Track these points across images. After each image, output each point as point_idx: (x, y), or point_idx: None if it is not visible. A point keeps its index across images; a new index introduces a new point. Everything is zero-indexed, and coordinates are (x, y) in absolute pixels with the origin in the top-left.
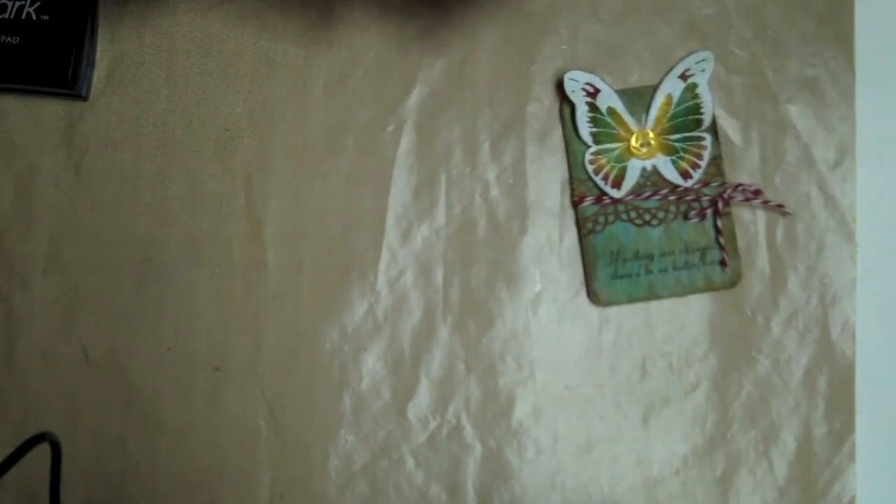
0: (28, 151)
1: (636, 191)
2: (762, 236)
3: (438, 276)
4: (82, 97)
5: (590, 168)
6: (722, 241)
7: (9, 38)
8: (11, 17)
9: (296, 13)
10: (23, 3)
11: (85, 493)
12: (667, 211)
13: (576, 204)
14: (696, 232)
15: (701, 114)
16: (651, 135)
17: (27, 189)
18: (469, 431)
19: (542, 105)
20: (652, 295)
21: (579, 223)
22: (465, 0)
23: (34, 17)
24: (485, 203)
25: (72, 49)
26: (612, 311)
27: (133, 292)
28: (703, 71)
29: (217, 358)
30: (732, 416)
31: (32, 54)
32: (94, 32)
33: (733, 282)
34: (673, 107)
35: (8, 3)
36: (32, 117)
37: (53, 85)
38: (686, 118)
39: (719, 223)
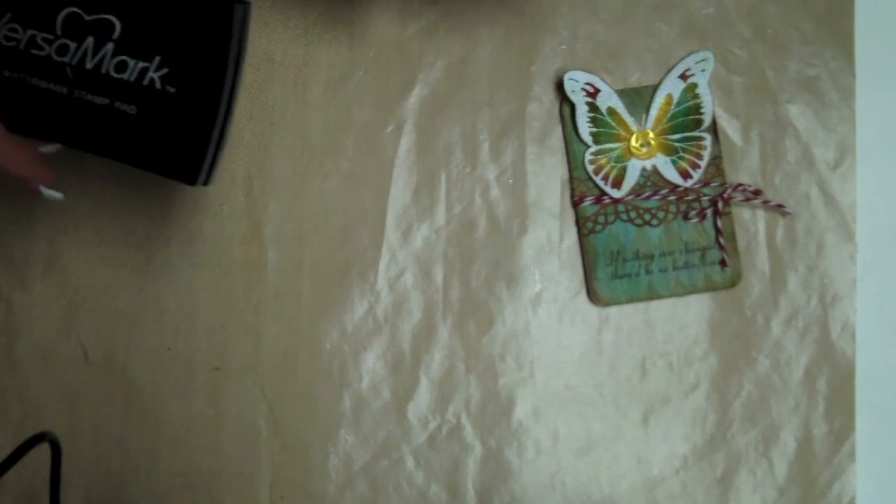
0: None
1: (636, 191)
2: (762, 236)
3: (438, 276)
4: (198, 185)
5: (590, 168)
6: (722, 241)
7: (124, 106)
8: (132, 80)
9: (296, 13)
10: (146, 65)
11: (85, 493)
12: (667, 211)
13: (576, 204)
14: (696, 232)
15: (701, 114)
16: (651, 135)
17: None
18: (469, 431)
19: (542, 105)
20: (652, 295)
21: (579, 223)
22: (465, 0)
23: (158, 86)
24: (485, 203)
25: (198, 133)
26: (612, 311)
27: (133, 292)
28: (703, 71)
29: (217, 358)
30: (732, 416)
31: (149, 131)
32: (228, 115)
33: (733, 282)
34: (673, 107)
35: (129, 62)
36: None
37: (168, 172)
38: (686, 118)
39: (719, 223)
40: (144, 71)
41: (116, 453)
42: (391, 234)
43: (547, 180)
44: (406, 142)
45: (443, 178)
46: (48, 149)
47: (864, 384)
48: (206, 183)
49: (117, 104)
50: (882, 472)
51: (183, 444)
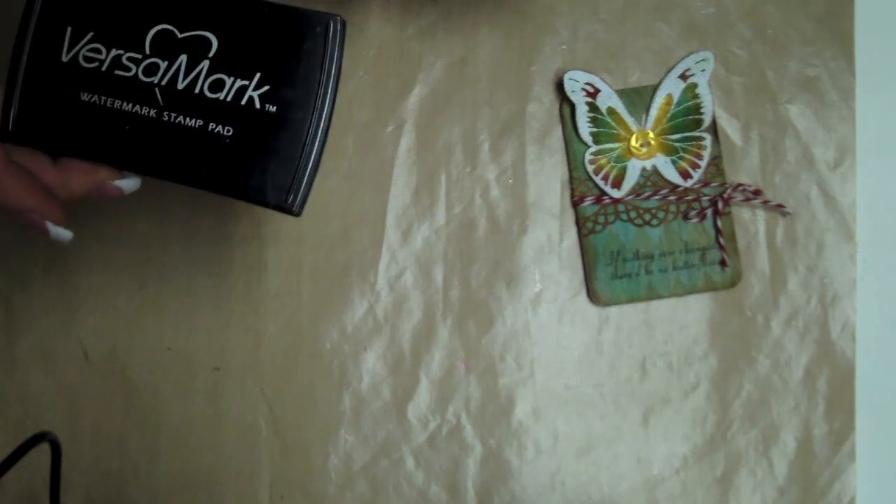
0: None
1: (636, 191)
2: (762, 236)
3: (438, 276)
4: (294, 214)
5: (590, 168)
6: (722, 241)
7: (219, 128)
8: (228, 99)
9: None
10: (245, 83)
11: (85, 493)
12: (667, 211)
13: (576, 204)
14: (696, 232)
15: (701, 114)
16: (651, 135)
17: None
18: (469, 431)
19: (542, 105)
20: (652, 295)
21: (579, 223)
22: (465, 0)
23: (257, 106)
24: (485, 203)
25: (298, 156)
26: (612, 311)
27: (133, 292)
28: (703, 71)
29: (217, 358)
30: (732, 416)
31: (245, 155)
32: (326, 136)
33: (733, 282)
34: (673, 107)
35: (226, 80)
36: None
37: (265, 201)
38: (686, 118)
39: (719, 223)
40: (243, 90)
41: (116, 453)
42: (391, 234)
43: (547, 180)
44: (406, 142)
45: (443, 178)
46: (127, 184)
47: (864, 384)
48: (300, 212)
49: (212, 126)
50: (882, 472)
51: (183, 444)
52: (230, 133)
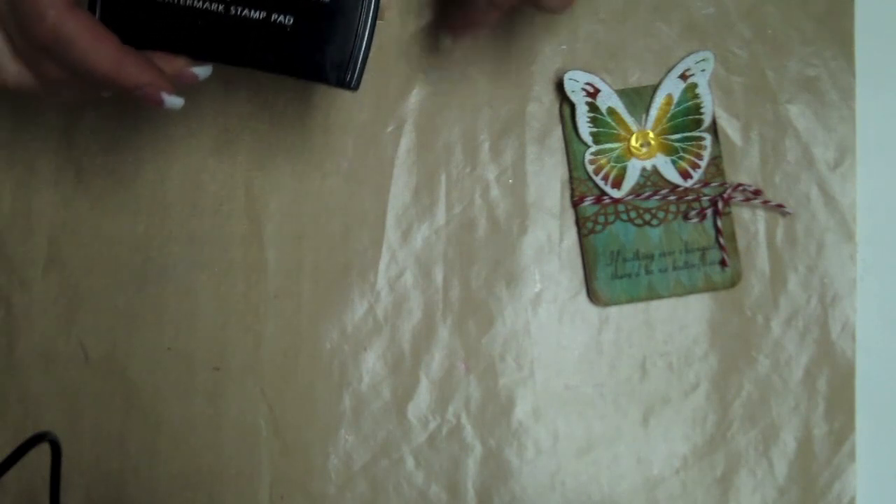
0: (28, 151)
1: (636, 191)
2: (762, 236)
3: (438, 276)
4: (352, 89)
5: (590, 168)
6: (722, 241)
7: (280, 18)
8: None
9: None
10: None
11: (85, 493)
12: (667, 211)
13: (576, 204)
14: (696, 232)
15: (701, 114)
16: (651, 135)
17: (27, 188)
18: (469, 431)
19: (542, 105)
20: (652, 295)
21: (579, 223)
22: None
23: None
24: (485, 203)
25: (352, 38)
26: (612, 311)
27: (133, 292)
28: (703, 71)
29: (217, 358)
30: (732, 416)
31: (304, 40)
32: (376, 17)
33: (733, 282)
34: (673, 107)
35: None
36: (32, 116)
37: (325, 78)
38: (686, 118)
39: (719, 223)
40: None
41: (116, 453)
42: (391, 234)
43: (547, 180)
44: (406, 142)
45: (443, 178)
46: (201, 71)
47: (864, 384)
48: (357, 87)
49: (274, 17)
50: (882, 472)
51: (183, 444)
52: (291, 22)
